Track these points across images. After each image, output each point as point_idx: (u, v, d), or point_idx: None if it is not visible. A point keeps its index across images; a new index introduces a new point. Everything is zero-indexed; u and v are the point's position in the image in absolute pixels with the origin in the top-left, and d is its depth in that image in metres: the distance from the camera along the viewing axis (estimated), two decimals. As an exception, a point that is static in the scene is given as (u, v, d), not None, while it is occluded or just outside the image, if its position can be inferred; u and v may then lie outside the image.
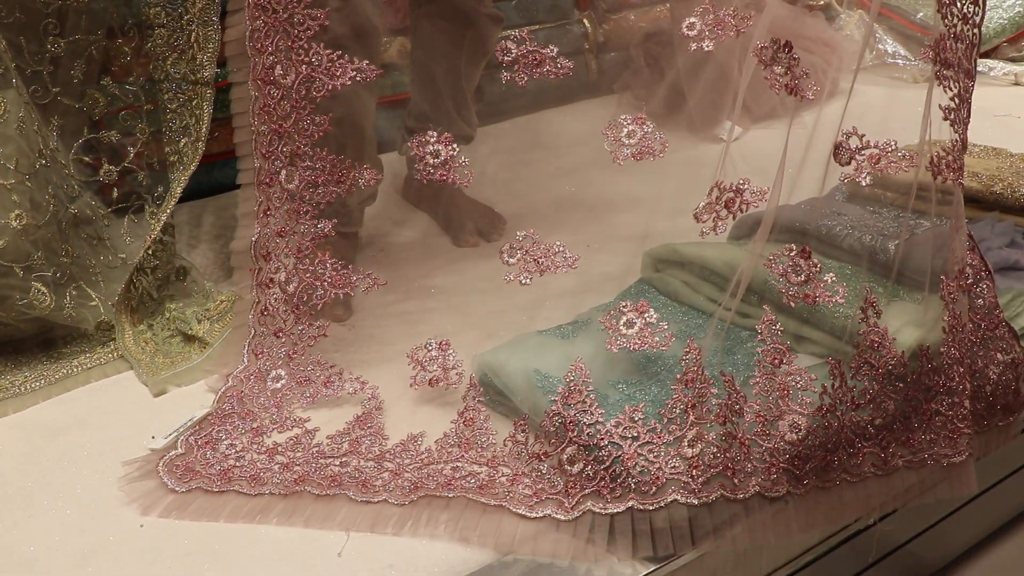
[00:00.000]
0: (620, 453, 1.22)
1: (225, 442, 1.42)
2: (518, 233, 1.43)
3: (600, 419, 1.25)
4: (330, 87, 1.49)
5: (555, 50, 1.36)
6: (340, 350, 1.64)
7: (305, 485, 1.32)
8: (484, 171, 2.17)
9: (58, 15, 1.76)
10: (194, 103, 1.79)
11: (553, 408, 1.27)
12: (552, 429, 1.27)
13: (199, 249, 2.01)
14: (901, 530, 1.48)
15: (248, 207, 1.63)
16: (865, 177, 1.27)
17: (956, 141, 1.26)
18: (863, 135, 1.28)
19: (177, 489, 1.33)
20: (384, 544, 1.23)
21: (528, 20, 2.82)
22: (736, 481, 1.21)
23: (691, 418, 1.24)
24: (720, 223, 1.35)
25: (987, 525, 1.67)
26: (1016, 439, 1.45)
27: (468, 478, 1.31)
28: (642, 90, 2.66)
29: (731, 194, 1.33)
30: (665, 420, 1.25)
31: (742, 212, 1.35)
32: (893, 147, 1.28)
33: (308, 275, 1.57)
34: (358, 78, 1.48)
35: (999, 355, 1.41)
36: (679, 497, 1.19)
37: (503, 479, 1.29)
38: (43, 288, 1.60)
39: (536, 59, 1.35)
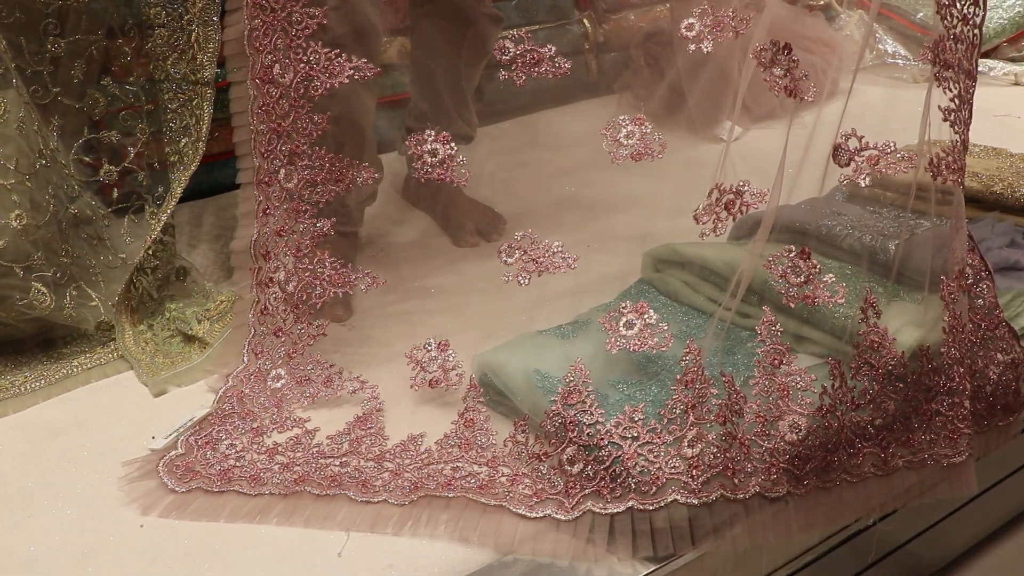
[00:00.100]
0: (620, 453, 1.22)
1: (225, 442, 1.42)
2: (516, 233, 1.43)
3: (600, 419, 1.25)
4: (328, 86, 1.49)
5: (553, 49, 1.35)
6: (340, 350, 1.64)
7: (305, 485, 1.32)
8: (484, 171, 2.17)
9: (58, 15, 1.76)
10: (194, 103, 1.78)
11: (553, 408, 1.27)
12: (552, 429, 1.27)
13: (199, 249, 2.01)
14: (901, 530, 1.48)
15: (248, 206, 1.63)
16: (864, 179, 1.27)
17: (956, 142, 1.26)
18: (862, 136, 1.28)
19: (177, 489, 1.33)
20: (384, 544, 1.23)
21: (528, 20, 2.82)
22: (736, 481, 1.21)
23: (691, 418, 1.24)
24: (720, 225, 1.35)
25: (987, 525, 1.67)
26: (1016, 439, 1.45)
27: (468, 478, 1.31)
28: (642, 90, 2.66)
29: (731, 196, 1.33)
30: (665, 420, 1.25)
31: (742, 214, 1.35)
32: (892, 148, 1.28)
33: (307, 274, 1.57)
34: (356, 76, 1.48)
35: (999, 355, 1.41)
36: (679, 497, 1.19)
37: (503, 479, 1.29)
38: (43, 288, 1.60)
39: (534, 58, 1.35)
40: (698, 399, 1.25)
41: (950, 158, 1.27)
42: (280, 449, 1.41)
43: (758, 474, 1.22)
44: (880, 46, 3.06)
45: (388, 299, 1.79)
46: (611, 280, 1.70)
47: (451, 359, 1.49)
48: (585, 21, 2.93)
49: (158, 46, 1.79)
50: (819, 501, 1.25)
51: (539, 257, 1.41)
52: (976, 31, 1.21)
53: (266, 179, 1.58)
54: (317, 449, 1.41)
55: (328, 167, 1.55)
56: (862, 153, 1.27)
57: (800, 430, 1.24)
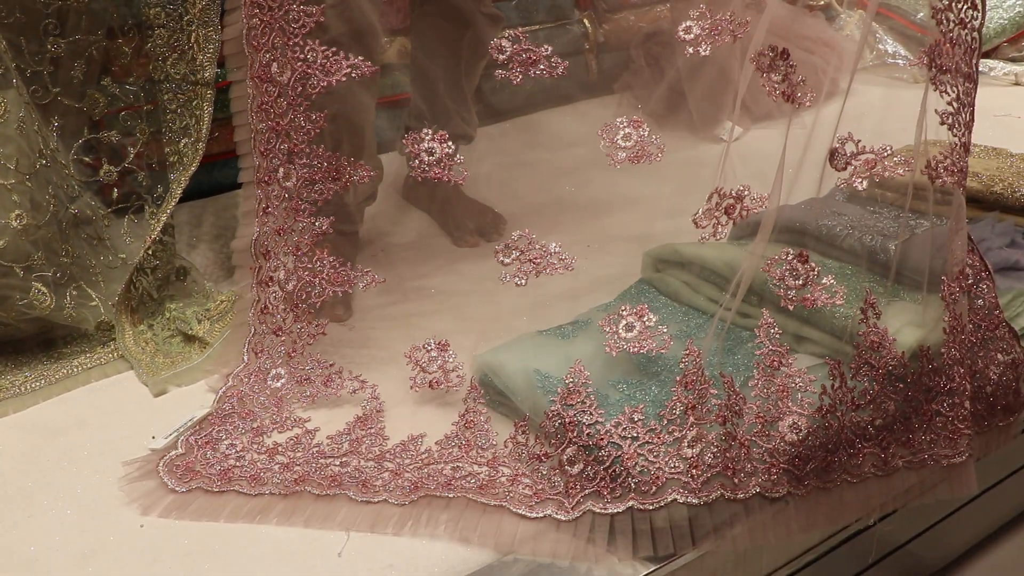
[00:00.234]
0: (620, 453, 1.22)
1: (225, 442, 1.42)
2: (513, 233, 1.42)
3: (600, 419, 1.25)
4: (325, 83, 1.49)
5: (549, 49, 1.35)
6: (340, 350, 1.64)
7: (305, 485, 1.32)
8: (483, 171, 2.17)
9: (58, 15, 1.76)
10: (194, 104, 1.79)
11: (553, 409, 1.27)
12: (552, 430, 1.27)
13: (199, 249, 2.01)
14: (901, 530, 1.48)
15: (249, 205, 1.63)
16: (861, 182, 1.27)
17: (955, 145, 1.25)
18: (859, 140, 1.28)
19: (177, 489, 1.33)
20: (384, 544, 1.23)
21: (528, 20, 2.81)
22: (736, 481, 1.21)
23: (691, 419, 1.24)
24: (720, 229, 1.35)
25: (987, 525, 1.67)
26: (1016, 439, 1.45)
27: (468, 478, 1.31)
28: (642, 90, 2.66)
29: (731, 200, 1.34)
30: (665, 421, 1.25)
31: (742, 218, 1.35)
32: (889, 152, 1.28)
33: (307, 273, 1.57)
34: (353, 74, 1.48)
35: (999, 355, 1.41)
36: (679, 497, 1.19)
37: (503, 479, 1.29)
38: (43, 288, 1.60)
39: (530, 58, 1.35)
40: (698, 400, 1.25)
41: (948, 160, 1.26)
42: (280, 449, 1.41)
43: (758, 474, 1.22)
44: (880, 46, 3.06)
45: (388, 299, 1.79)
46: (611, 280, 1.70)
47: (451, 360, 1.49)
48: (585, 21, 2.93)
49: (158, 46, 1.79)
50: (819, 501, 1.25)
51: (536, 258, 1.41)
52: (975, 34, 1.20)
53: (266, 178, 1.59)
54: (317, 449, 1.41)
55: (326, 165, 1.55)
56: (859, 157, 1.27)
57: (800, 430, 1.24)
